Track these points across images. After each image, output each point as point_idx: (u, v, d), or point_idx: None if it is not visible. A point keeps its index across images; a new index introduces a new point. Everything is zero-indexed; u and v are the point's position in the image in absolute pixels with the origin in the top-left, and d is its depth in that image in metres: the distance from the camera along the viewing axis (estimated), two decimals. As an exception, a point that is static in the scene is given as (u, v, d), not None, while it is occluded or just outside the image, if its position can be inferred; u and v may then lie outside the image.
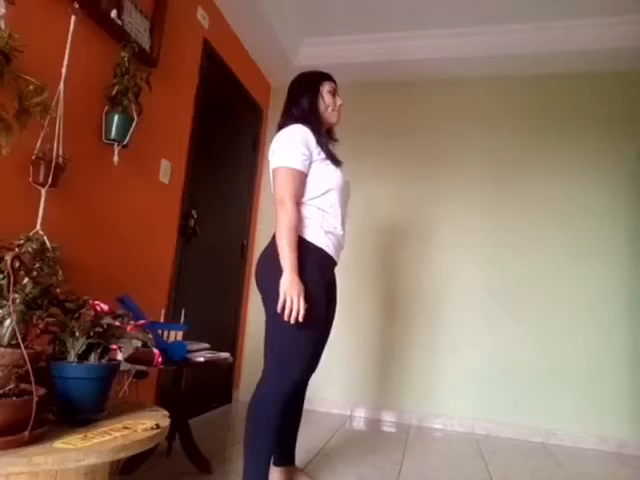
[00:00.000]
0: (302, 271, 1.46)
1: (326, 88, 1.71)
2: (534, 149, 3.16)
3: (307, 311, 1.42)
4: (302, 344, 1.49)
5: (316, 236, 1.55)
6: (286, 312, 1.40)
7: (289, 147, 1.53)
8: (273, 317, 1.50)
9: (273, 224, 1.51)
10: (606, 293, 2.92)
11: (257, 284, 1.61)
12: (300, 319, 1.39)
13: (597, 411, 2.83)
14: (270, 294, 1.49)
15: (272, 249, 1.52)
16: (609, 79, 3.10)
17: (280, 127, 1.63)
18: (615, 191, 3.00)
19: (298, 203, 1.54)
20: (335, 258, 1.62)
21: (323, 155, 1.58)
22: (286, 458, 1.77)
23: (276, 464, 1.74)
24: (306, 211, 1.56)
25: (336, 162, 1.63)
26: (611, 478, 2.31)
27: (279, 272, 1.44)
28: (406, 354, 3.12)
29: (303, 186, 1.55)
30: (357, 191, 3.44)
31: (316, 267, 1.52)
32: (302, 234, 1.53)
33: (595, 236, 2.99)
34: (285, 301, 1.40)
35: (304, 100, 1.67)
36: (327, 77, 1.73)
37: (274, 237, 1.54)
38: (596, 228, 2.99)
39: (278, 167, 1.53)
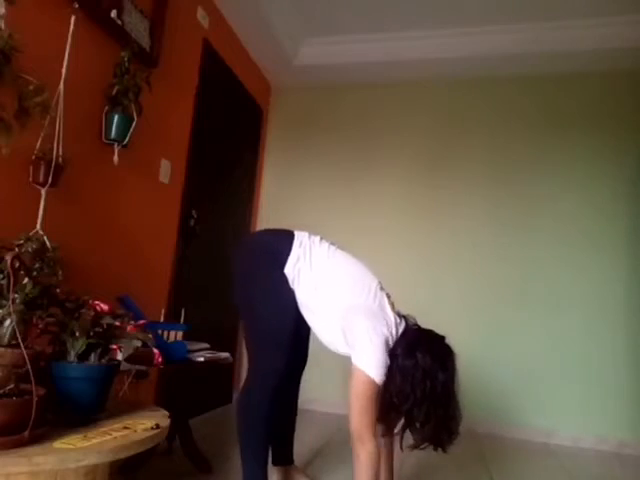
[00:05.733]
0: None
1: None
2: (534, 149, 3.16)
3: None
4: (283, 335, 1.50)
5: None
6: None
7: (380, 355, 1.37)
8: (251, 313, 1.53)
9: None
10: (606, 294, 2.92)
11: (238, 275, 1.60)
12: None
13: (597, 411, 2.83)
14: (252, 290, 1.52)
15: (261, 247, 1.58)
16: (609, 79, 3.10)
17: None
18: (616, 192, 2.99)
19: None
20: None
21: None
22: (284, 458, 1.77)
23: (274, 464, 1.74)
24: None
25: None
26: (611, 478, 2.31)
27: (264, 272, 1.50)
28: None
29: None
30: (365, 188, 3.45)
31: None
32: None
33: (596, 237, 2.98)
34: None
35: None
36: None
37: (258, 233, 1.57)
38: (598, 229, 2.99)
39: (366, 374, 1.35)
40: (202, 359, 1.82)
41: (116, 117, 1.84)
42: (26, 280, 1.06)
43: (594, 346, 2.89)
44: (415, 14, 2.91)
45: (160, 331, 1.80)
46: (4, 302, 1.01)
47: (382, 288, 1.52)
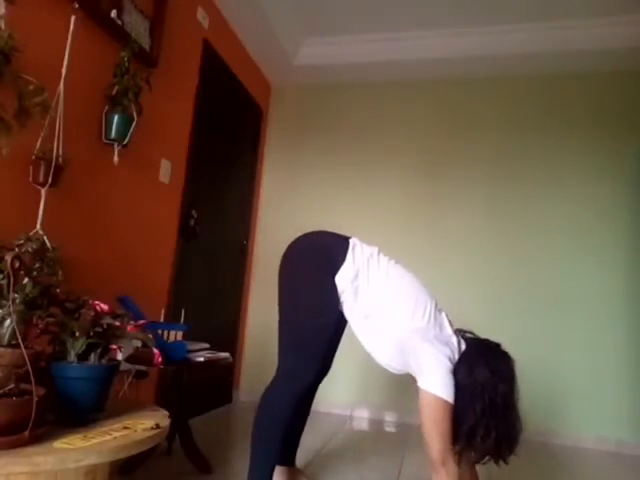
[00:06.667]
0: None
1: None
2: (535, 149, 3.16)
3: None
4: (319, 343, 1.49)
5: None
6: None
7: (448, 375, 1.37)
8: (292, 315, 1.51)
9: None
10: (606, 293, 2.92)
11: (286, 274, 1.58)
12: None
13: (597, 411, 2.83)
14: (298, 291, 1.51)
15: (315, 249, 1.55)
16: (610, 79, 3.10)
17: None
18: (616, 192, 3.00)
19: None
20: None
21: None
22: (287, 459, 1.77)
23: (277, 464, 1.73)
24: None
25: None
26: (611, 478, 2.31)
27: (314, 275, 1.47)
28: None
29: None
30: (365, 187, 3.45)
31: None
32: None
33: (596, 236, 2.99)
34: None
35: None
36: None
37: (314, 233, 1.59)
38: (597, 228, 2.99)
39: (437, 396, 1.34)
40: (202, 359, 1.82)
41: (116, 117, 1.84)
42: (26, 280, 1.06)
43: (594, 345, 2.88)
44: (415, 14, 2.91)
45: (160, 331, 1.80)
46: (4, 302, 1.01)
47: (439, 308, 1.52)
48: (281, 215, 3.48)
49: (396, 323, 1.46)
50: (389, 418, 3.08)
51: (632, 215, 2.95)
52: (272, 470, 1.48)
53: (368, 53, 3.20)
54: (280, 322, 1.57)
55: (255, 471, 1.47)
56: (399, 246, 3.27)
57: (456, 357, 1.42)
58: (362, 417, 3.11)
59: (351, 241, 1.55)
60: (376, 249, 1.57)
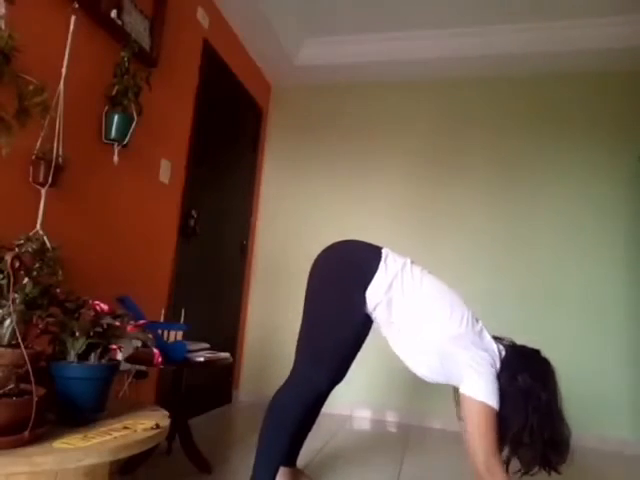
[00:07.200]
0: None
1: None
2: (533, 149, 3.16)
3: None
4: (338, 356, 1.48)
5: None
6: None
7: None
8: (316, 325, 1.50)
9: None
10: (606, 293, 2.91)
11: (315, 283, 1.57)
12: None
13: (597, 410, 2.83)
14: (325, 302, 1.49)
15: (346, 260, 1.53)
16: (609, 79, 3.10)
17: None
18: (615, 191, 2.99)
19: None
20: None
21: None
22: (289, 459, 1.77)
23: None
24: None
25: None
26: (611, 478, 2.31)
27: (343, 288, 1.46)
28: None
29: None
30: (365, 188, 3.46)
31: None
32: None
33: (595, 237, 2.98)
34: None
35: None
36: None
37: (346, 242, 1.58)
38: (597, 228, 2.99)
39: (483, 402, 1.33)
40: (202, 359, 1.82)
41: (116, 117, 1.84)
42: (26, 280, 1.06)
43: (593, 345, 2.88)
44: (415, 14, 2.91)
45: (160, 331, 1.80)
46: (4, 302, 1.01)
47: (476, 317, 1.50)
48: (281, 215, 3.48)
49: (435, 331, 1.43)
50: (389, 418, 3.08)
51: (634, 216, 2.95)
52: (276, 470, 1.49)
53: (368, 53, 3.20)
54: (302, 328, 1.56)
55: (260, 470, 1.47)
56: (400, 244, 3.27)
57: (497, 364, 1.40)
58: (362, 417, 3.11)
59: (383, 251, 1.54)
60: (408, 259, 1.55)
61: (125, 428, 1.07)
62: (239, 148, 3.24)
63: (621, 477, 2.33)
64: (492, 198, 3.18)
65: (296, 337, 1.57)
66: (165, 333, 1.84)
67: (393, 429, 2.90)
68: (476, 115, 3.29)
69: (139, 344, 1.70)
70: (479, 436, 1.31)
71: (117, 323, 1.19)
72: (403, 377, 3.10)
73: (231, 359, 2.00)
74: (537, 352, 1.46)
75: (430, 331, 1.44)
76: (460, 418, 1.44)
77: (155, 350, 1.33)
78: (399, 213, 3.31)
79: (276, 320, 3.33)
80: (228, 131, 3.06)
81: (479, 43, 3.01)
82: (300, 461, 1.89)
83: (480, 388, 1.33)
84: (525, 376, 1.35)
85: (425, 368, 1.50)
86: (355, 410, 3.14)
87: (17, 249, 1.09)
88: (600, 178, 3.03)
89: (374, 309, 1.49)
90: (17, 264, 1.02)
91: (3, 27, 1.34)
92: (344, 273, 1.52)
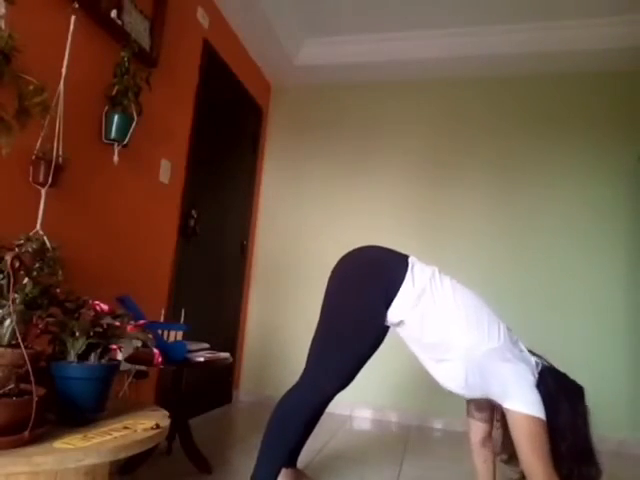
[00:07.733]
0: None
1: None
2: (533, 150, 3.15)
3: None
4: (351, 366, 1.48)
5: None
6: None
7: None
8: (332, 332, 1.49)
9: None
10: (606, 293, 2.91)
11: (334, 289, 1.53)
12: None
13: (597, 410, 2.82)
14: (343, 311, 1.47)
15: (369, 269, 1.47)
16: (608, 79, 3.09)
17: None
18: (614, 192, 2.99)
19: None
20: None
21: None
22: (290, 460, 1.77)
23: None
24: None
25: None
26: (611, 478, 2.30)
27: (363, 298, 1.43)
28: (407, 354, 3.11)
29: None
30: (365, 188, 3.46)
31: None
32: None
33: (595, 238, 2.98)
34: None
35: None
36: None
37: (370, 248, 1.55)
38: (597, 230, 2.99)
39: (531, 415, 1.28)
40: (202, 359, 1.82)
41: (116, 117, 1.84)
42: (26, 280, 1.06)
43: (594, 346, 2.88)
44: (415, 14, 2.91)
45: (160, 331, 1.80)
46: (4, 302, 1.01)
47: (508, 327, 1.46)
48: (281, 215, 3.48)
49: (472, 346, 1.38)
50: (389, 418, 3.08)
51: (633, 217, 2.94)
52: (279, 471, 1.49)
53: (368, 53, 3.20)
54: (319, 334, 1.54)
55: (262, 470, 1.47)
56: (401, 244, 3.27)
57: (536, 377, 1.35)
58: (362, 417, 3.11)
59: (410, 260, 1.48)
60: (436, 268, 1.48)
61: (125, 428, 1.07)
62: (239, 148, 3.24)
63: (621, 477, 2.33)
64: (492, 199, 3.18)
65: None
66: (165, 333, 1.84)
67: (393, 429, 2.90)
68: (476, 116, 3.29)
69: (139, 344, 1.69)
70: (533, 453, 1.25)
71: (117, 323, 1.19)
72: (403, 377, 3.10)
73: (231, 359, 2.00)
74: (574, 383, 1.42)
75: (467, 346, 1.38)
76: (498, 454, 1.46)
77: (155, 350, 1.33)
78: (399, 213, 3.31)
79: (276, 320, 3.33)
80: (228, 131, 3.06)
81: (479, 43, 3.01)
82: (300, 461, 1.89)
83: (527, 401, 1.29)
84: (568, 410, 1.32)
85: (462, 386, 1.44)
86: (355, 410, 3.14)
87: (17, 249, 1.09)
88: (600, 179, 3.03)
89: (399, 324, 1.45)
90: (17, 264, 1.02)
91: (3, 27, 1.34)
92: (366, 283, 1.46)
